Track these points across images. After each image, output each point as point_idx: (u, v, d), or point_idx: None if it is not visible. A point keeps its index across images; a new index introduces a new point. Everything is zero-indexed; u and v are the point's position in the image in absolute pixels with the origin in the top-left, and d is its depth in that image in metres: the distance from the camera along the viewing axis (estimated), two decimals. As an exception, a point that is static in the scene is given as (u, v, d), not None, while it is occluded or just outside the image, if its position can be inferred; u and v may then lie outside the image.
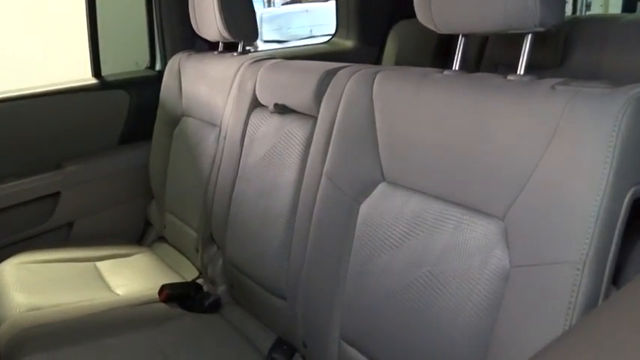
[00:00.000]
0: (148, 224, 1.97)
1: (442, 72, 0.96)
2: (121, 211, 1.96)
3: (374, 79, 1.03)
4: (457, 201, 0.87)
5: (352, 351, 1.02)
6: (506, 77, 0.86)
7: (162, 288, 1.45)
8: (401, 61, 2.19)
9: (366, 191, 1.03)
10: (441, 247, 0.87)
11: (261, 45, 6.69)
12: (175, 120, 1.79)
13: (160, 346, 1.24)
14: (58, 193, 1.82)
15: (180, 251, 1.76)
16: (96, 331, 1.29)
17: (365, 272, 1.00)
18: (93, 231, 1.91)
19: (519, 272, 0.75)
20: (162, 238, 1.88)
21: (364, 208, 1.03)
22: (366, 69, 1.08)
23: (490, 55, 1.72)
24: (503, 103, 0.81)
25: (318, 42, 2.55)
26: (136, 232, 1.98)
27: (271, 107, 1.27)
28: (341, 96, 1.08)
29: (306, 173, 1.16)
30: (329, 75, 1.15)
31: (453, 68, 0.96)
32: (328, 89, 1.13)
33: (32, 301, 1.41)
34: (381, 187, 1.01)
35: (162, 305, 1.42)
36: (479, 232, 0.82)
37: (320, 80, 1.15)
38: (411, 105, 0.95)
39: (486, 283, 0.80)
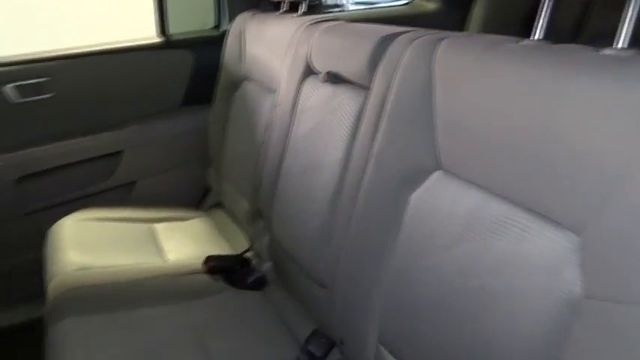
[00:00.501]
0: (208, 189, 1.93)
1: (518, 41, 0.78)
2: (182, 174, 1.93)
3: (436, 48, 0.87)
4: (523, 203, 0.71)
5: (390, 358, 0.91)
6: (599, 51, 0.67)
7: (208, 259, 1.40)
8: (488, 28, 1.96)
9: (417, 179, 0.89)
10: (498, 258, 0.72)
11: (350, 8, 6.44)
12: (236, 83, 1.71)
13: (194, 321, 1.19)
14: (121, 152, 1.82)
15: (234, 220, 1.71)
16: (135, 298, 1.26)
17: (408, 271, 0.87)
18: (154, 192, 1.90)
19: (596, 307, 0.59)
20: (220, 205, 1.84)
21: (414, 198, 0.89)
22: (430, 35, 0.92)
23: (591, 25, 1.46)
24: (591, 84, 0.63)
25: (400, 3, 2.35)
26: (196, 196, 1.95)
27: (323, 75, 1.14)
28: (397, 66, 0.93)
29: (353, 152, 1.03)
30: (386, 40, 1.00)
31: (534, 37, 0.78)
32: (384, 57, 0.98)
33: (83, 260, 1.41)
34: (436, 176, 0.87)
35: (205, 277, 1.37)
36: (546, 245, 0.66)
37: (376, 46, 1.01)
38: (475, 80, 0.78)
39: (549, 309, 0.64)
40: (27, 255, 1.66)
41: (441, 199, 0.84)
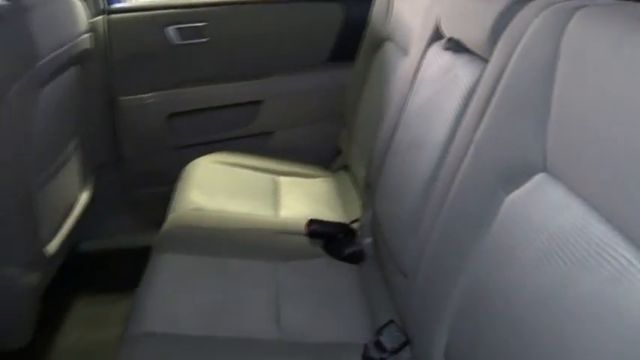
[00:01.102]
0: (339, 150, 1.89)
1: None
2: (317, 131, 1.92)
3: (569, 20, 0.68)
4: (632, 232, 0.53)
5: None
6: None
7: (310, 222, 1.37)
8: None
9: (518, 179, 0.72)
10: (590, 293, 0.55)
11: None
12: (379, 43, 1.60)
13: (278, 281, 1.17)
14: (261, 101, 1.85)
15: (356, 186, 1.65)
16: (233, 247, 1.28)
17: (489, 281, 0.73)
18: (288, 146, 1.92)
19: None
20: (346, 168, 1.79)
21: (510, 200, 0.73)
22: (566, 2, 0.72)
23: None
24: None
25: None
26: (328, 156, 1.92)
27: (445, 41, 0.99)
28: (520, 37, 0.75)
29: (457, 134, 0.88)
30: (516, 5, 0.81)
31: None
32: (509, 26, 0.80)
33: (201, 201, 1.48)
34: (539, 179, 0.70)
35: (305, 240, 1.34)
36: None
37: (502, 11, 0.83)
38: (608, 62, 0.59)
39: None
40: (168, 186, 1.81)
41: (540, 208, 0.68)
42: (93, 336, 1.57)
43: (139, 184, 1.90)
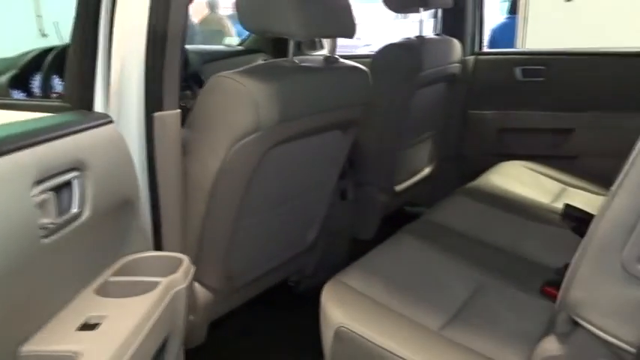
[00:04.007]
0: None
1: None
2: (617, 162, 2.26)
3: None
4: None
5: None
6: None
7: (567, 206, 1.83)
8: None
9: None
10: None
11: None
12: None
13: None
14: (572, 130, 2.36)
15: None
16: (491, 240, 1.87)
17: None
18: (589, 169, 2.32)
19: None
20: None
21: None
22: None
23: None
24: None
25: None
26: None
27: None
28: None
29: None
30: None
31: None
32: None
33: (488, 184, 2.11)
34: None
35: (558, 219, 1.82)
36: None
37: None
38: None
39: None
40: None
41: None
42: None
43: (468, 175, 2.64)
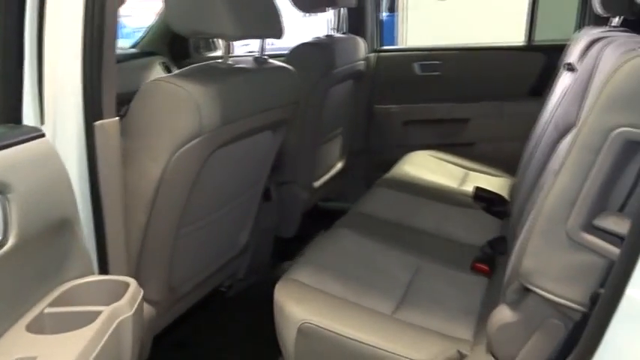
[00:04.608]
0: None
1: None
2: (509, 146, 2.50)
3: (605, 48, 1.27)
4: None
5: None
6: None
7: (477, 189, 2.01)
8: None
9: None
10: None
11: None
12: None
13: (446, 215, 1.86)
14: (469, 119, 2.56)
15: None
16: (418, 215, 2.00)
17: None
18: (486, 154, 2.56)
19: None
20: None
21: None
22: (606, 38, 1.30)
23: None
24: None
25: None
26: (514, 165, 2.49)
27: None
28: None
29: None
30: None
31: None
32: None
33: (408, 173, 2.24)
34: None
35: (471, 201, 1.99)
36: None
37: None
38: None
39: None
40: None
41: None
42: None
43: (377, 166, 2.77)
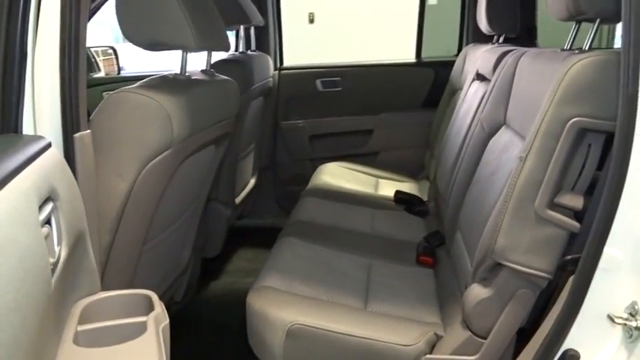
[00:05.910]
0: (423, 166, 2.70)
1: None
2: (410, 153, 2.74)
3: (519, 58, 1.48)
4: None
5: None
6: None
7: (397, 192, 2.18)
8: None
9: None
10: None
11: None
12: (455, 91, 2.43)
13: (375, 224, 1.98)
14: (372, 131, 2.74)
15: (431, 186, 2.43)
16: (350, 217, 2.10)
17: (474, 185, 1.51)
18: (390, 162, 2.75)
19: None
20: (427, 177, 2.58)
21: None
22: (518, 51, 1.53)
23: None
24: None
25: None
26: (416, 170, 2.73)
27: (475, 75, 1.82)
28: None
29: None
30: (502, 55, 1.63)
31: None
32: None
33: (327, 182, 2.34)
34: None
35: (393, 204, 2.14)
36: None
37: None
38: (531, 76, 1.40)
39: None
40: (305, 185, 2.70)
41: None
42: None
43: (286, 181, 2.83)
